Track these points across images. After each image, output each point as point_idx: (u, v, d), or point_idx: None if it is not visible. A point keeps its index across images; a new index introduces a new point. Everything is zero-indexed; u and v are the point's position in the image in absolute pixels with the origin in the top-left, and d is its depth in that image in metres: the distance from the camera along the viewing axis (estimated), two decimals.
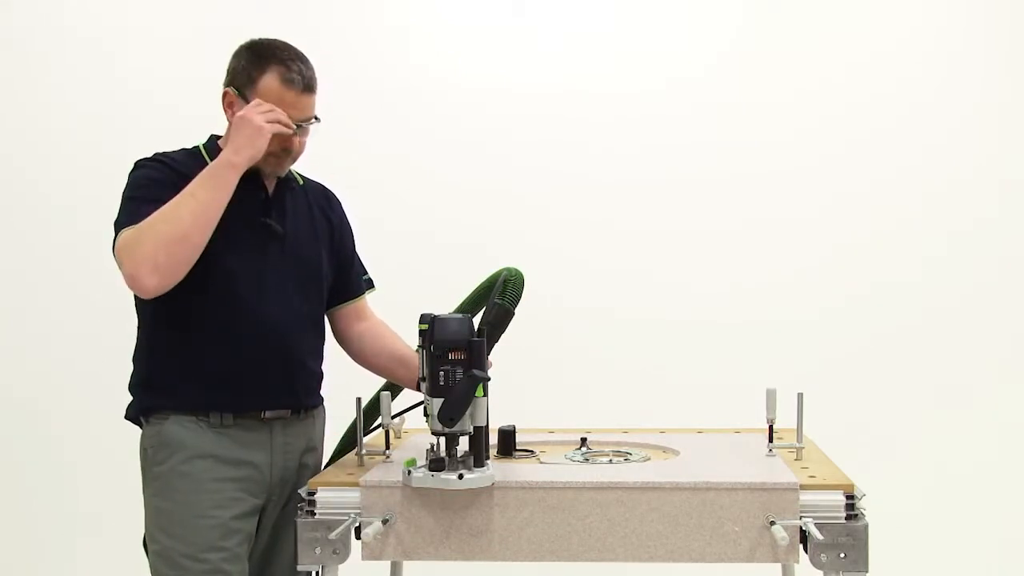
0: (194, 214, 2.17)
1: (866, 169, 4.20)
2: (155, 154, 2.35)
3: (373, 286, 2.67)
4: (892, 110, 4.19)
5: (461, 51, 4.29)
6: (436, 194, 4.24)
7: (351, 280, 2.62)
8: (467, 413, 2.14)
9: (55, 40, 4.26)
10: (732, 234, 4.22)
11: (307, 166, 2.53)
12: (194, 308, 2.27)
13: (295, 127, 2.32)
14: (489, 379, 2.17)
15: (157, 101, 4.18)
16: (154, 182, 2.26)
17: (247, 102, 2.30)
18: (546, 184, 4.24)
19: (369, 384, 2.64)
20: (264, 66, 2.31)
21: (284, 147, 2.34)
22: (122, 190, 2.29)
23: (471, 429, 2.16)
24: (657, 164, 4.23)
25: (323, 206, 2.55)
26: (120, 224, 2.22)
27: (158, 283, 2.16)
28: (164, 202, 2.19)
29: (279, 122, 2.27)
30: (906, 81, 4.20)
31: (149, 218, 2.17)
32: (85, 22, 4.28)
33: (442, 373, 2.15)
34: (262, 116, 2.25)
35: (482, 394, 2.15)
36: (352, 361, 2.63)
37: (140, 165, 2.32)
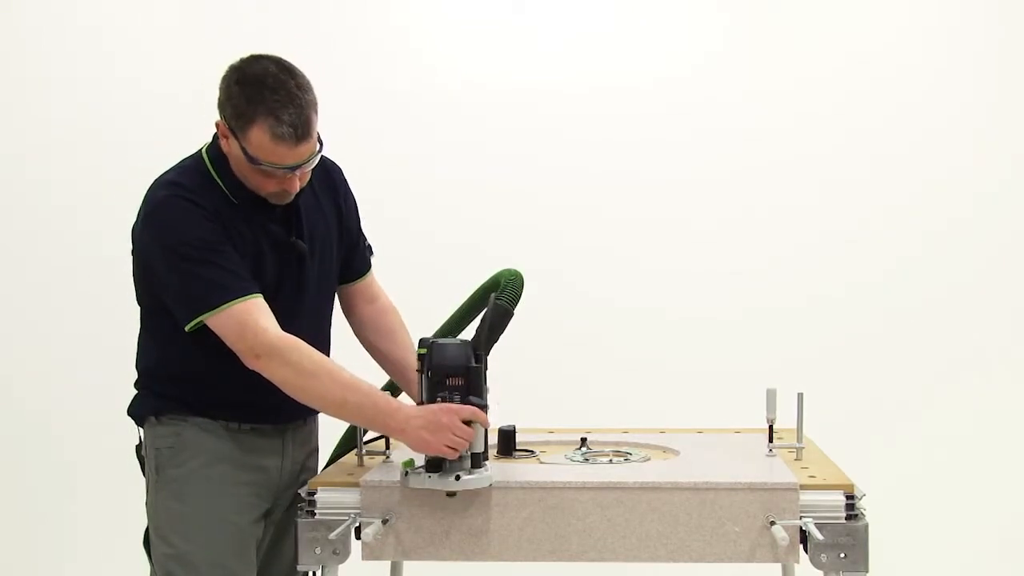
0: (338, 409, 2.20)
1: (870, 164, 4.19)
2: (178, 189, 2.22)
3: (372, 252, 2.61)
4: (889, 102, 4.18)
5: (460, 48, 4.28)
6: (434, 190, 4.23)
7: (358, 257, 2.55)
8: None
9: (53, 33, 4.26)
10: (733, 233, 4.21)
11: None
12: None
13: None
14: (486, 406, 2.17)
15: (158, 92, 4.16)
16: (208, 231, 2.19)
17: (239, 143, 2.16)
18: (546, 181, 4.23)
19: (372, 380, 2.62)
20: (253, 115, 2.13)
21: (284, 188, 2.23)
22: (158, 229, 2.19)
23: None
24: (658, 161, 4.22)
25: (328, 189, 2.45)
26: (223, 293, 2.15)
27: (261, 367, 2.16)
28: (227, 247, 2.18)
29: (452, 443, 2.13)
30: (903, 74, 4.19)
31: (332, 365, 2.20)
32: (85, 16, 4.27)
33: (440, 399, 2.14)
34: (448, 440, 2.11)
35: None
36: (355, 359, 2.60)
37: (175, 207, 2.20)
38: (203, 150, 2.32)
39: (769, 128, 4.21)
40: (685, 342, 4.17)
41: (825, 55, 4.21)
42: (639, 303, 4.20)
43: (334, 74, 4.11)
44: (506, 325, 2.32)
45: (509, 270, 2.40)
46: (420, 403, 2.20)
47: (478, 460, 2.16)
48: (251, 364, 2.17)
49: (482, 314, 2.33)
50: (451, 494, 2.14)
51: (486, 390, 2.20)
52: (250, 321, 2.15)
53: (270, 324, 2.17)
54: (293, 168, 2.19)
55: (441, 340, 2.19)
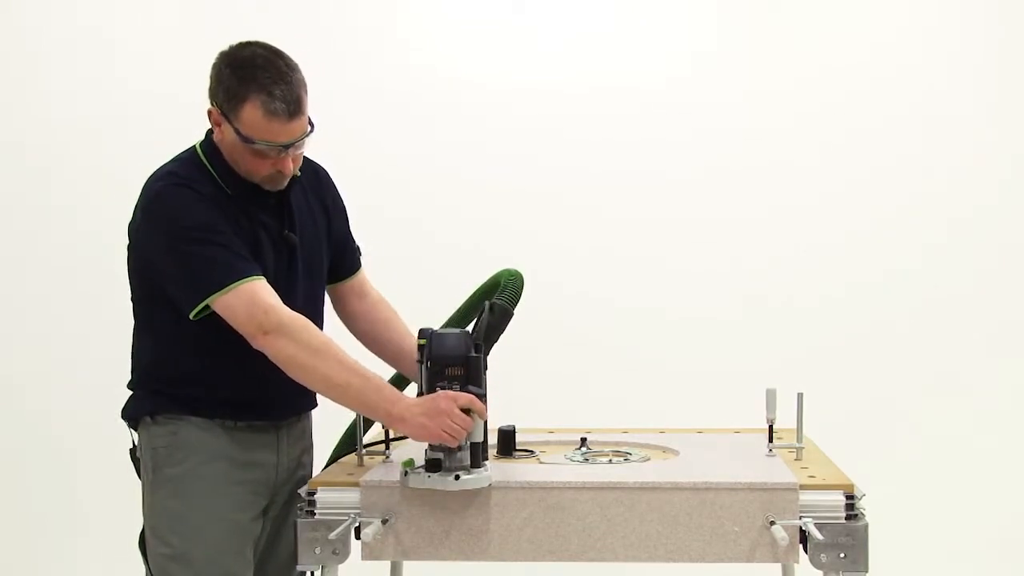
0: (341, 392, 2.17)
1: (870, 164, 4.19)
2: (175, 178, 2.24)
3: (361, 253, 2.62)
4: (889, 102, 4.18)
5: (460, 48, 4.28)
6: (434, 190, 4.23)
7: (347, 257, 2.56)
8: None
9: (53, 33, 4.26)
10: (733, 233, 4.21)
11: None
12: (222, 327, 2.20)
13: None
14: (485, 395, 2.17)
15: (158, 92, 4.15)
16: (208, 214, 2.20)
17: (232, 125, 2.18)
18: (546, 181, 4.23)
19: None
20: (245, 93, 2.16)
21: (278, 169, 2.24)
22: (158, 217, 2.20)
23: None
24: (658, 161, 4.22)
25: (316, 188, 2.47)
26: (229, 272, 2.16)
27: (267, 344, 2.15)
28: (227, 229, 2.19)
29: (447, 433, 2.11)
30: (903, 74, 4.19)
31: (339, 348, 2.18)
32: (85, 16, 4.27)
33: (439, 389, 2.14)
34: (446, 425, 2.10)
35: None
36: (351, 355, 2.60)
37: (173, 195, 2.21)
38: (197, 145, 2.34)
39: (769, 128, 4.21)
40: (685, 342, 4.17)
41: (825, 55, 4.21)
42: (639, 303, 4.20)
43: (334, 74, 4.12)
44: (506, 325, 2.32)
45: (509, 270, 2.40)
46: (420, 394, 2.20)
47: (478, 453, 2.16)
48: (258, 342, 2.16)
49: (477, 318, 2.32)
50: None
51: (485, 381, 2.20)
52: (259, 299, 2.16)
53: (278, 303, 2.18)
54: (287, 146, 2.20)
55: (441, 330, 2.19)
